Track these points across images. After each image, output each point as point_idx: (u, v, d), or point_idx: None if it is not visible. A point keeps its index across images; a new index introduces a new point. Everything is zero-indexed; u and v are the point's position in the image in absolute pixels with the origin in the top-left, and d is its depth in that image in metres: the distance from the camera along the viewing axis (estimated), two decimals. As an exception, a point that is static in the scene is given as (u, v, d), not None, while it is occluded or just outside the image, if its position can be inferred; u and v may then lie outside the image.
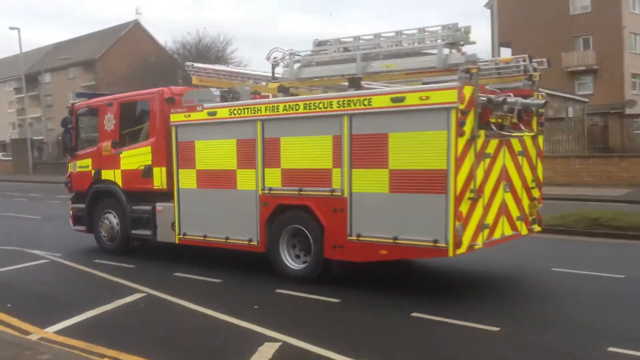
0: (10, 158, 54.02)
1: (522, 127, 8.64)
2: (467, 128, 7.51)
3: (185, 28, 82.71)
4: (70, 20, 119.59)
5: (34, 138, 53.44)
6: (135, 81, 50.01)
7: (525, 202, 9.09)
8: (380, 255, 8.23)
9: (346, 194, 8.42)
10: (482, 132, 7.82)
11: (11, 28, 48.35)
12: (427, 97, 7.66)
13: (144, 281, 9.19)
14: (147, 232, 11.08)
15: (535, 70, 8.90)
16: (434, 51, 8.34)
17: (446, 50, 8.21)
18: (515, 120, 8.46)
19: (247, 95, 9.91)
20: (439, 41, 8.26)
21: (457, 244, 7.54)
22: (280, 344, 6.29)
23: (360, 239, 8.30)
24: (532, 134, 9.03)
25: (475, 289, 8.81)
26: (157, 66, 49.78)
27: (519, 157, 8.88)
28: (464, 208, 7.62)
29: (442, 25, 8.32)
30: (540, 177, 9.42)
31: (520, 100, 8.47)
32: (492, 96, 7.95)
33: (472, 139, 7.62)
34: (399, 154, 7.94)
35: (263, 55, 9.96)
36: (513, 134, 8.51)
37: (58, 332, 6.83)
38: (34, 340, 6.44)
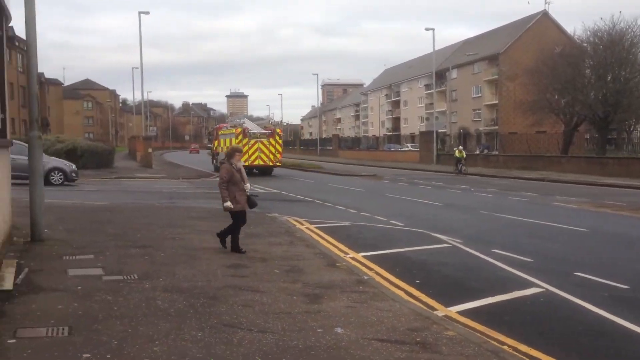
0: (418, 149, 59.20)
1: (268, 137, 35.75)
2: (239, 137, 34.75)
3: (600, 14, 77.09)
4: (480, 16, 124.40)
5: (439, 131, 57.19)
6: (538, 73, 49.00)
7: (272, 157, 35.59)
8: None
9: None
10: (247, 139, 34.62)
11: (426, 29, 52.66)
12: (237, 130, 36.53)
13: (543, 276, 9.02)
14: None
15: (274, 125, 41.96)
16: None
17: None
18: (262, 135, 35.96)
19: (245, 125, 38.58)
20: (245, 119, 41.67)
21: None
22: None
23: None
24: (273, 139, 35.79)
25: None
26: (563, 57, 47.72)
27: (268, 145, 35.50)
28: (248, 153, 33.45)
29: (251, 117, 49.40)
30: (281, 150, 36.55)
31: (260, 130, 36.63)
32: (245, 130, 35.68)
33: (243, 139, 34.47)
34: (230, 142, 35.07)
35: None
36: (262, 139, 35.47)
37: (460, 313, 7.21)
38: (440, 316, 6.94)
